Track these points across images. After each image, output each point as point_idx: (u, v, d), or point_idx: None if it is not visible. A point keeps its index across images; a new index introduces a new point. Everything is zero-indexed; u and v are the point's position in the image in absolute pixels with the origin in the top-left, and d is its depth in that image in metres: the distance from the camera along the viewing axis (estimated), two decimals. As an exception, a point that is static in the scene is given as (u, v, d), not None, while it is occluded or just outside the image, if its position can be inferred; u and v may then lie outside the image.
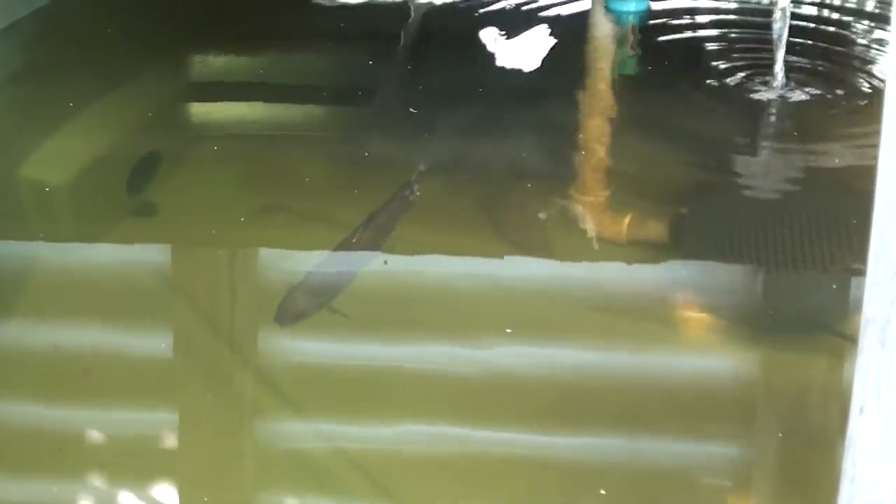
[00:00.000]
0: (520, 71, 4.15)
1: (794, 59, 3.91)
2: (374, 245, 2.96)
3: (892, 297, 1.13)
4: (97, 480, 2.31)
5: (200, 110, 4.05)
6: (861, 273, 2.28)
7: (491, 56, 4.29)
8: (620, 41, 4.34)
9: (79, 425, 2.45)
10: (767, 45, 3.84)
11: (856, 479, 1.20)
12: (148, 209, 3.22)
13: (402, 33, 4.45)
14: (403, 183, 3.20)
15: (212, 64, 4.28)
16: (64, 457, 2.36)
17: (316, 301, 2.73)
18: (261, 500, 2.33)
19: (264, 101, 3.93)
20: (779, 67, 3.77)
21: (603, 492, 2.22)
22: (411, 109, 3.81)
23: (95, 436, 2.44)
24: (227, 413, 2.52)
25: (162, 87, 4.01)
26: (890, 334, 1.13)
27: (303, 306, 2.72)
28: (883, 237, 1.14)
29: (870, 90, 3.77)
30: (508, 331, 2.65)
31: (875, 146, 1.18)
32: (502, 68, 4.20)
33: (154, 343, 2.71)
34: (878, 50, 4.16)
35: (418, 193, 3.17)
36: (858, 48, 4.22)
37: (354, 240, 2.94)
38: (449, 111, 3.80)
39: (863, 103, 3.69)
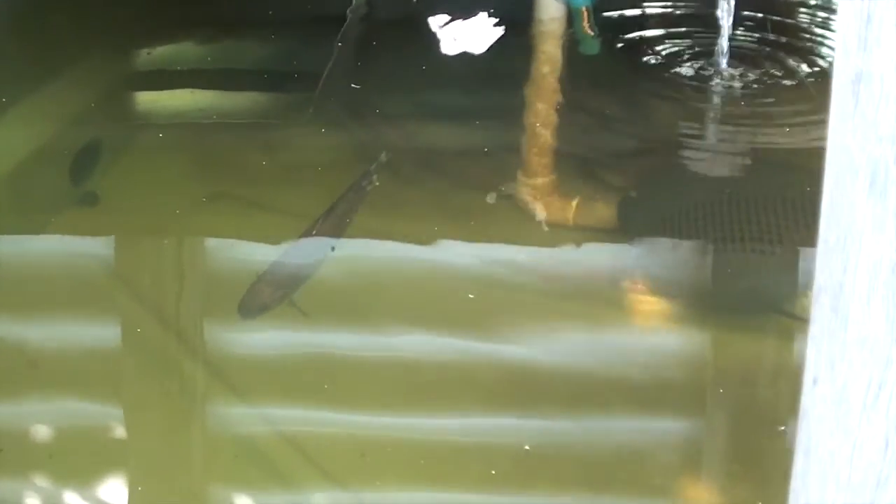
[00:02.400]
0: (467, 54, 4.13)
1: (740, 40, 3.92)
2: (334, 235, 2.94)
3: (844, 264, 1.12)
4: (47, 471, 2.28)
5: (144, 98, 3.99)
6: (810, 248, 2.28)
7: (437, 40, 4.27)
8: (577, 23, 4.31)
9: (27, 418, 2.41)
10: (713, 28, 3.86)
11: (810, 452, 1.19)
12: (91, 199, 3.18)
13: (347, 18, 4.41)
14: (362, 172, 3.18)
15: (154, 52, 4.22)
16: (11, 449, 2.33)
17: (279, 293, 2.72)
18: (209, 487, 2.31)
19: (209, 89, 3.88)
20: (722, 49, 3.79)
21: (527, 447, 2.22)
22: (353, 85, 3.78)
23: (43, 428, 2.40)
24: (174, 402, 2.49)
25: (104, 75, 3.95)
26: (843, 302, 1.12)
27: (266, 299, 2.70)
28: (833, 205, 1.13)
29: (811, 70, 3.79)
30: (471, 296, 2.65)
31: (821, 125, 1.17)
32: (448, 53, 4.18)
33: (100, 334, 2.68)
34: (823, 32, 4.17)
35: (377, 183, 3.15)
36: (805, 30, 4.23)
37: (315, 231, 2.93)
38: (394, 92, 3.78)
39: (806, 82, 3.71)
